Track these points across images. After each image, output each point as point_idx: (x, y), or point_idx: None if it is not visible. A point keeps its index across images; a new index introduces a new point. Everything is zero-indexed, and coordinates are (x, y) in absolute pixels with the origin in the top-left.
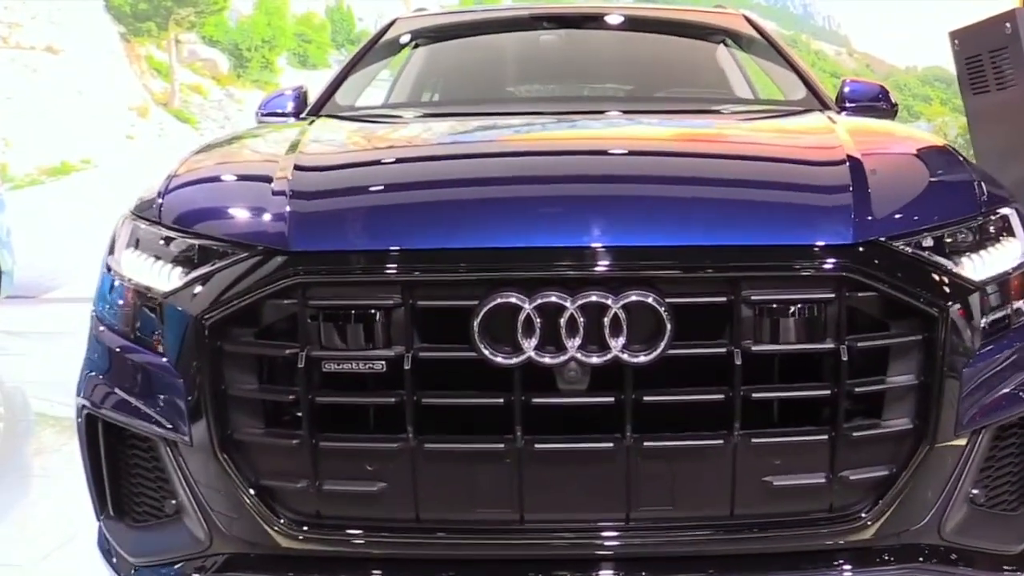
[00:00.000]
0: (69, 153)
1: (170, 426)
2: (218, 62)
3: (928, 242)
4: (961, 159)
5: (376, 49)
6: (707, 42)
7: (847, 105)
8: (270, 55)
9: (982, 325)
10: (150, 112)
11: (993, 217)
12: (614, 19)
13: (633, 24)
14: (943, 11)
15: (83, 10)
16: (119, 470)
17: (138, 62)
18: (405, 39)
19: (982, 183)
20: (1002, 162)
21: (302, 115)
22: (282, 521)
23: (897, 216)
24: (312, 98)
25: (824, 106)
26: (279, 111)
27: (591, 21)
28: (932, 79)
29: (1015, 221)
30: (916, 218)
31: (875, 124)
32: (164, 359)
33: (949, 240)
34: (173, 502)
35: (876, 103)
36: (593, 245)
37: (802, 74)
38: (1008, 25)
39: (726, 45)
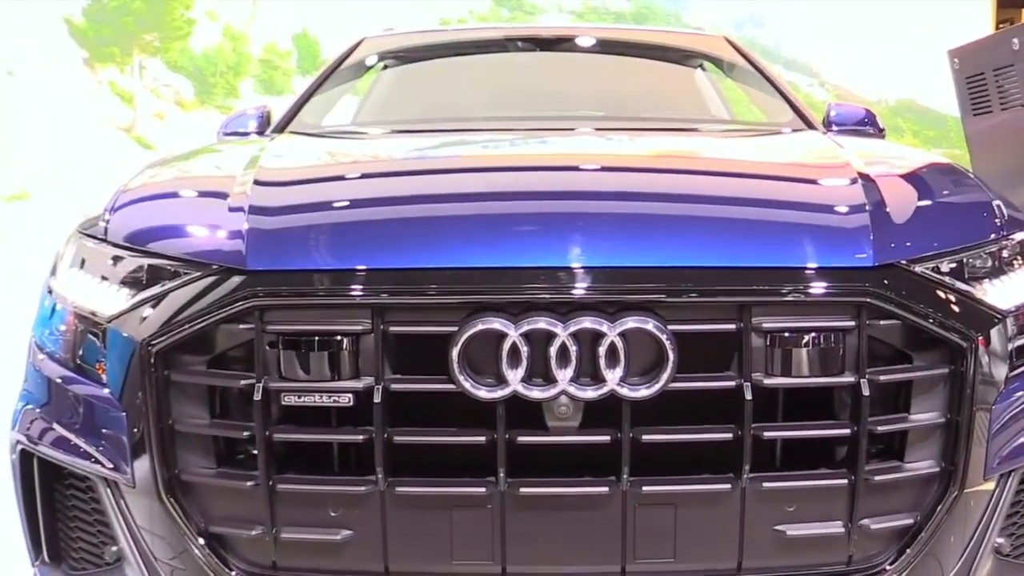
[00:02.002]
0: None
1: (111, 465)
2: (182, 88)
3: (950, 266)
4: (975, 180)
5: (343, 69)
6: (687, 66)
7: (834, 129)
8: (234, 81)
9: (1010, 356)
10: (112, 137)
11: (1013, 240)
12: (590, 41)
13: (611, 46)
14: (914, 44)
15: (45, 34)
16: (56, 512)
17: (101, 87)
18: (372, 60)
19: (1001, 205)
20: (1005, 185)
21: (265, 135)
22: (234, 573)
23: (917, 238)
24: (276, 118)
25: (813, 129)
26: (241, 131)
27: (567, 43)
28: (904, 111)
29: None
30: (936, 241)
31: (881, 144)
32: (106, 390)
33: (972, 264)
34: (114, 549)
35: (863, 127)
36: (587, 265)
37: (788, 97)
38: (1016, 41)
39: (703, 69)
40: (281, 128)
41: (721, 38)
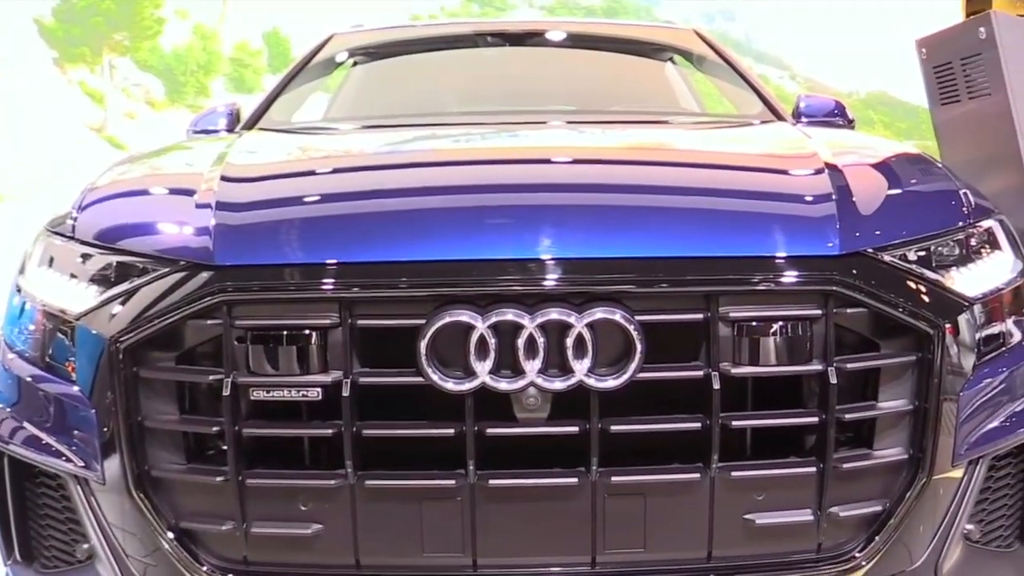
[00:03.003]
0: None
1: (81, 462)
2: (152, 87)
3: (917, 254)
4: (943, 168)
5: (313, 66)
6: (657, 59)
7: (803, 120)
8: (205, 80)
9: (978, 344)
10: (83, 137)
11: (980, 228)
12: (560, 35)
13: (581, 41)
14: (886, 36)
15: (15, 34)
16: (27, 511)
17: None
18: (342, 56)
19: (967, 193)
20: (973, 174)
21: (235, 132)
22: (205, 568)
23: (884, 226)
24: (246, 115)
25: (782, 121)
26: (211, 128)
27: (537, 38)
28: (875, 103)
29: (1003, 233)
30: (903, 229)
31: (849, 135)
32: (76, 388)
33: (939, 252)
34: (85, 547)
35: (833, 118)
36: (554, 257)
37: (758, 89)
38: (983, 30)
39: (673, 62)
40: (250, 125)
41: (691, 31)
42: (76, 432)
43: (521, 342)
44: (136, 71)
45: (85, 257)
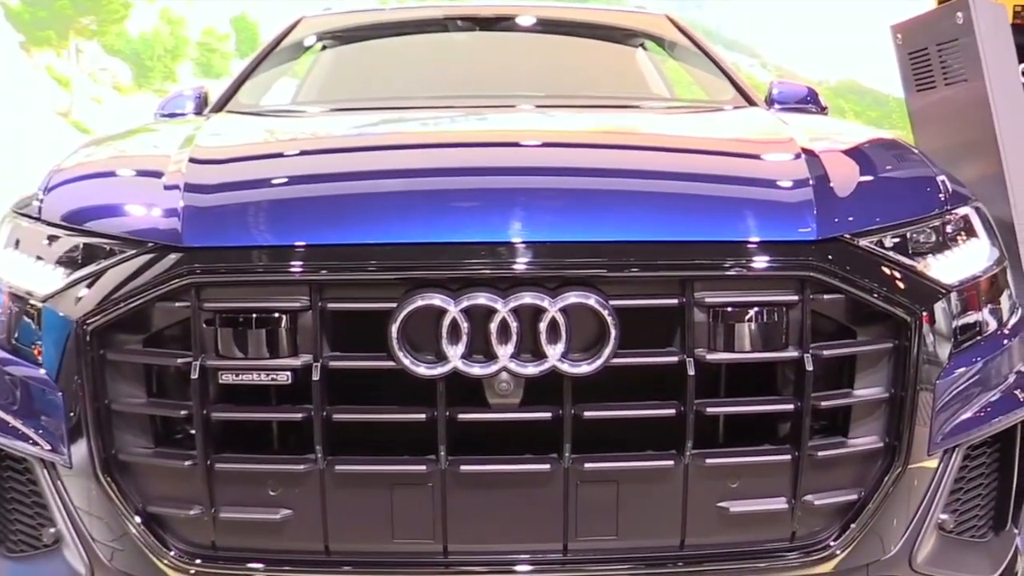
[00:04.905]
0: None
1: (48, 446)
2: (119, 72)
3: (894, 241)
4: (920, 155)
5: (281, 50)
6: (627, 45)
7: (776, 107)
8: (172, 64)
9: (954, 332)
10: (50, 122)
11: (957, 215)
12: (531, 20)
13: (552, 25)
14: (856, 25)
15: None
16: None
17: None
18: (311, 40)
19: (945, 180)
20: (949, 161)
21: (203, 115)
22: (172, 553)
23: (861, 212)
24: (214, 99)
25: (755, 107)
26: (178, 112)
27: (507, 22)
28: (846, 91)
29: (980, 220)
30: (880, 215)
31: (825, 121)
32: (42, 370)
33: (916, 239)
34: (52, 531)
35: (805, 104)
36: (527, 240)
37: (730, 75)
38: (960, 15)
39: (645, 48)
40: (218, 108)
41: (663, 17)
42: (43, 416)
43: (494, 326)
44: (103, 55)
45: (52, 239)
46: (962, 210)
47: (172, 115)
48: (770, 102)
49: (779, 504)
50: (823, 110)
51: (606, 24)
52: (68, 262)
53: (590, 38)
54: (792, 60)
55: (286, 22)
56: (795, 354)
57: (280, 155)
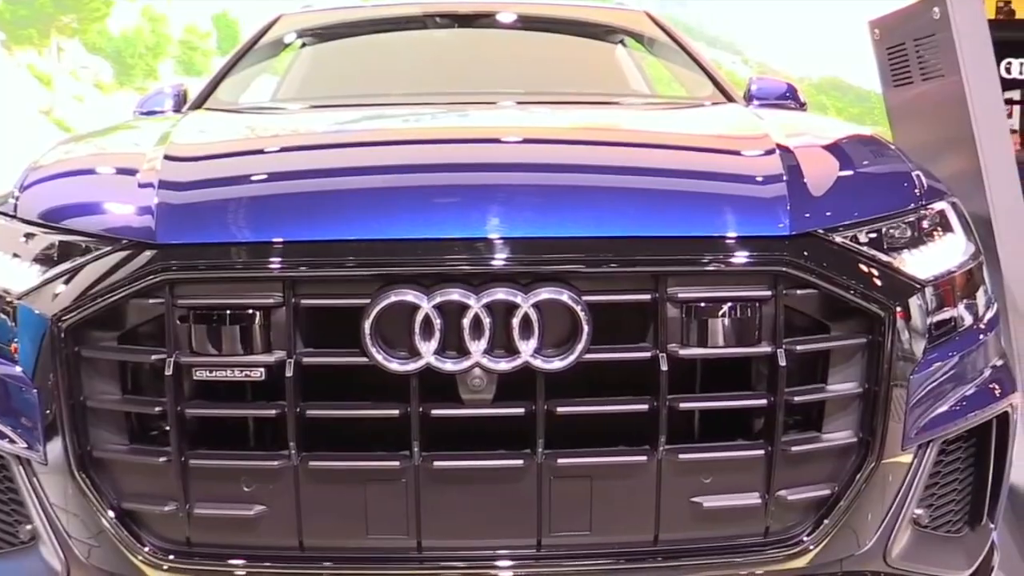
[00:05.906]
0: None
1: (23, 443)
2: (101, 70)
3: (868, 236)
4: (895, 150)
5: (260, 47)
6: (607, 41)
7: (755, 103)
8: (153, 62)
9: (929, 328)
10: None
11: (933, 210)
12: (510, 16)
13: (532, 22)
14: (838, 21)
15: None
16: None
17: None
18: (290, 37)
19: (920, 175)
20: (926, 156)
21: (181, 112)
22: (147, 549)
23: (836, 207)
24: (193, 96)
25: (733, 103)
26: (157, 109)
27: (487, 19)
28: (828, 88)
29: (955, 215)
30: (855, 210)
31: (801, 116)
32: (18, 368)
33: (891, 234)
34: (28, 528)
35: (784, 100)
36: (500, 236)
37: (709, 71)
38: (937, 10)
39: (624, 45)
40: (197, 106)
41: (642, 13)
42: (18, 412)
43: (467, 322)
44: (85, 53)
45: (27, 236)
46: (937, 205)
47: (151, 113)
48: (749, 98)
49: (752, 499)
50: (802, 106)
51: (586, 21)
52: (44, 259)
53: (569, 35)
54: (774, 57)
55: (266, 19)
56: (768, 349)
57: (255, 152)
